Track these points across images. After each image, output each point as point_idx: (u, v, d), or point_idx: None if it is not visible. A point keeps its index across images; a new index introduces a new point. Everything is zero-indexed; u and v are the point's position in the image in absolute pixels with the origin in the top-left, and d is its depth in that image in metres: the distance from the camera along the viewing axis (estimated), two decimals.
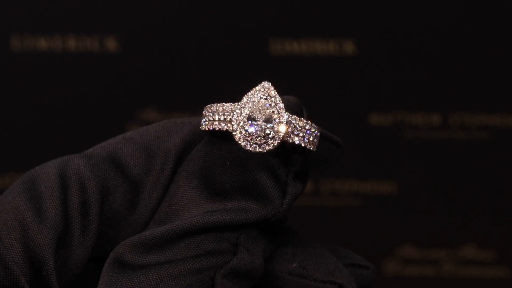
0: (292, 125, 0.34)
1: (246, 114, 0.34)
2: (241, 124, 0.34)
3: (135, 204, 0.35)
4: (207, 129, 0.35)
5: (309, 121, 0.34)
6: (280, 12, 0.84)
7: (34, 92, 0.84)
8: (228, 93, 0.74)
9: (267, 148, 0.34)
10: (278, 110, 0.34)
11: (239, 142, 0.34)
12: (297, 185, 0.35)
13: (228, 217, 0.33)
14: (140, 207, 0.35)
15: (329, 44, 0.84)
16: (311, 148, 0.34)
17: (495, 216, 0.87)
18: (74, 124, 0.84)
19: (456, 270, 0.88)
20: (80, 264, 0.34)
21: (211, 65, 0.84)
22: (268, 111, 0.34)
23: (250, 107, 0.34)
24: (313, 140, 0.34)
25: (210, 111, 0.35)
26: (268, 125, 0.34)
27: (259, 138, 0.34)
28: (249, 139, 0.34)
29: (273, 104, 0.34)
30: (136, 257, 0.32)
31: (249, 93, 0.34)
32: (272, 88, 0.34)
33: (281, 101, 0.34)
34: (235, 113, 0.34)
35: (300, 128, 0.34)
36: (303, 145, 0.34)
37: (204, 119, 0.35)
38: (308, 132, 0.34)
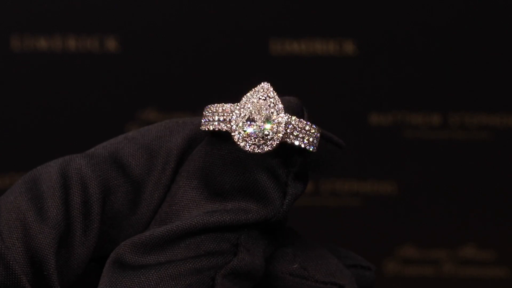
0: (291, 126, 0.34)
1: (245, 115, 0.34)
2: (240, 124, 0.34)
3: (137, 204, 0.35)
4: (207, 129, 0.35)
5: (309, 122, 0.34)
6: (280, 12, 0.84)
7: (34, 92, 0.84)
8: (228, 93, 0.74)
9: (266, 149, 0.34)
10: (277, 111, 0.34)
11: (238, 143, 0.34)
12: (298, 186, 0.35)
13: (228, 217, 0.33)
14: (142, 207, 0.35)
15: (329, 44, 0.84)
16: (311, 149, 0.34)
17: (495, 216, 0.87)
18: (74, 124, 0.84)
19: (456, 270, 0.88)
20: (82, 264, 0.34)
21: (211, 65, 0.84)
22: (267, 112, 0.34)
23: (249, 108, 0.34)
24: (313, 141, 0.34)
25: (210, 111, 0.35)
26: (267, 126, 0.34)
27: (258, 139, 0.34)
28: (248, 139, 0.34)
29: (272, 105, 0.34)
30: (136, 257, 0.32)
31: (248, 94, 0.34)
32: (272, 89, 0.34)
33: (280, 102, 0.34)
34: (234, 113, 0.34)
35: (299, 129, 0.34)
36: (302, 146, 0.34)
37: (204, 120, 0.35)
38: (308, 133, 0.34)
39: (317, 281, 0.36)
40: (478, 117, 0.85)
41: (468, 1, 0.83)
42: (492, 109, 0.85)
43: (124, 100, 0.84)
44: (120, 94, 0.84)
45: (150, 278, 0.32)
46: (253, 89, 0.34)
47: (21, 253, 0.33)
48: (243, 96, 0.35)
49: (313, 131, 0.34)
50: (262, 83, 0.34)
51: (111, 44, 0.84)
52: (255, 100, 0.34)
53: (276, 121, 0.34)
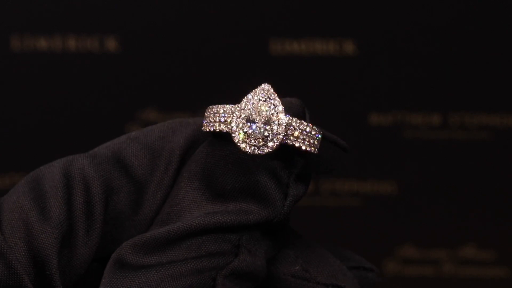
0: (292, 127, 0.34)
1: (245, 116, 0.34)
2: (240, 125, 0.34)
3: (139, 204, 0.35)
4: (208, 130, 0.35)
5: (310, 124, 0.34)
6: (280, 12, 0.84)
7: (34, 92, 0.84)
8: (228, 93, 0.74)
9: (266, 150, 0.34)
10: (277, 112, 0.34)
11: (238, 144, 0.34)
12: (299, 187, 0.35)
13: (229, 218, 0.33)
14: (144, 207, 0.35)
15: (329, 44, 0.84)
16: (312, 151, 0.34)
17: (495, 216, 0.87)
18: (74, 124, 0.84)
19: (456, 270, 0.88)
20: (84, 264, 0.34)
21: (211, 65, 0.84)
22: (267, 113, 0.34)
23: (249, 109, 0.34)
24: (314, 143, 0.34)
25: (211, 112, 0.35)
26: (267, 127, 0.34)
27: (258, 140, 0.34)
28: (248, 141, 0.34)
29: (272, 106, 0.34)
30: (137, 258, 0.33)
31: (248, 95, 0.34)
32: (272, 90, 0.34)
33: (280, 104, 0.34)
34: (234, 114, 0.34)
35: (300, 131, 0.34)
36: (303, 147, 0.34)
37: (205, 120, 0.35)
38: (309, 134, 0.34)
39: (319, 283, 0.36)
40: (478, 117, 0.85)
41: (468, 1, 0.83)
42: (492, 109, 0.85)
43: (124, 100, 0.84)
44: (120, 94, 0.84)
45: (151, 278, 0.32)
46: (253, 90, 0.34)
47: (23, 253, 0.33)
48: (243, 96, 0.35)
49: (314, 132, 0.34)
50: (262, 84, 0.34)
51: (111, 44, 0.84)
52: (256, 101, 0.34)
53: (276, 122, 0.34)
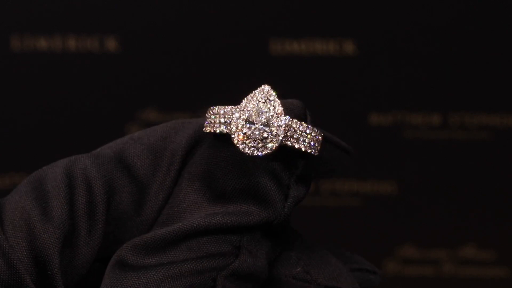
0: (292, 129, 0.34)
1: (245, 117, 0.34)
2: (239, 127, 0.34)
3: (142, 205, 0.35)
4: (209, 131, 0.35)
5: (310, 126, 0.34)
6: (280, 12, 0.84)
7: (34, 92, 0.84)
8: (228, 93, 0.74)
9: (266, 151, 0.34)
10: (276, 114, 0.34)
11: (238, 145, 0.34)
12: (300, 188, 0.35)
13: (230, 219, 0.33)
14: (147, 208, 0.35)
15: (329, 44, 0.84)
16: (312, 153, 0.34)
17: (495, 216, 0.87)
18: (74, 124, 0.84)
19: (456, 270, 0.88)
20: (86, 264, 0.34)
21: (211, 65, 0.84)
22: (266, 114, 0.34)
23: (249, 110, 0.34)
24: (314, 145, 0.34)
25: (212, 113, 0.35)
26: (266, 129, 0.34)
27: (257, 141, 0.34)
28: (247, 142, 0.34)
29: (271, 107, 0.34)
30: (138, 258, 0.33)
31: (248, 96, 0.34)
32: (272, 91, 0.34)
33: (280, 105, 0.34)
34: (234, 116, 0.34)
35: (300, 132, 0.34)
36: (303, 149, 0.34)
37: (206, 122, 0.35)
38: (309, 136, 0.34)
39: (320, 285, 0.36)
40: (478, 117, 0.85)
41: (468, 1, 0.83)
42: (492, 109, 0.85)
43: (124, 100, 0.84)
44: (120, 94, 0.84)
45: (151, 279, 0.32)
46: (253, 92, 0.34)
47: (25, 253, 0.33)
48: (243, 96, 0.35)
49: (315, 134, 0.34)
50: (262, 85, 0.34)
51: (111, 44, 0.84)
52: (255, 103, 0.34)
53: (275, 124, 0.34)
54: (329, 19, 0.84)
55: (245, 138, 0.34)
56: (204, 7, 0.83)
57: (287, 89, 0.83)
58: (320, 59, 0.84)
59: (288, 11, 0.84)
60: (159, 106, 0.85)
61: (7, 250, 0.33)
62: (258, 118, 0.34)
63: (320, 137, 0.35)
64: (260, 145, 0.34)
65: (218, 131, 0.35)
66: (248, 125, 0.34)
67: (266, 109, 0.34)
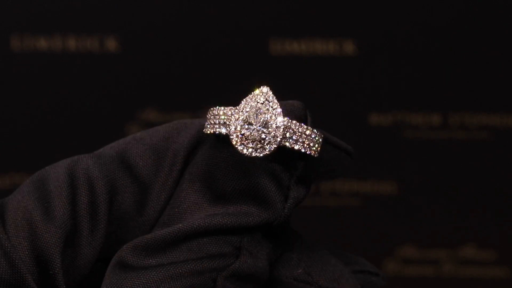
0: (291, 130, 0.34)
1: (243, 118, 0.34)
2: (238, 128, 0.34)
3: (144, 205, 0.35)
4: (209, 132, 0.35)
5: (310, 127, 0.34)
6: (280, 12, 0.84)
7: (34, 92, 0.84)
8: (228, 93, 0.74)
9: (264, 152, 0.34)
10: (275, 115, 0.34)
11: (236, 146, 0.34)
12: (300, 189, 0.35)
13: (230, 220, 0.33)
14: (149, 208, 0.35)
15: (329, 44, 0.84)
16: (312, 154, 0.34)
17: (495, 216, 0.87)
18: (74, 124, 0.84)
19: (456, 270, 0.88)
20: (88, 263, 0.34)
21: (211, 65, 0.84)
22: (265, 115, 0.34)
23: (248, 112, 0.34)
24: (314, 146, 0.34)
25: (212, 114, 0.35)
26: (264, 130, 0.34)
27: (256, 142, 0.34)
28: (245, 143, 0.34)
29: (270, 109, 0.34)
30: (138, 259, 0.33)
31: (247, 97, 0.34)
32: (271, 93, 0.34)
33: (278, 106, 0.34)
34: (233, 117, 0.34)
35: (299, 134, 0.34)
36: (303, 150, 0.34)
37: (207, 122, 0.35)
38: (308, 137, 0.34)
39: (321, 287, 0.36)
40: (478, 117, 0.85)
41: (468, 1, 0.83)
42: (492, 109, 0.85)
43: (124, 100, 0.84)
44: (120, 94, 0.84)
45: (151, 279, 0.32)
46: (252, 93, 0.34)
47: (27, 252, 0.33)
48: (243, 96, 0.35)
49: (314, 135, 0.34)
50: (261, 86, 0.34)
51: (111, 44, 0.84)
52: (254, 104, 0.34)
53: (274, 125, 0.34)
54: (329, 19, 0.84)
55: (244, 139, 0.34)
56: (204, 7, 0.83)
57: (287, 89, 0.83)
58: (320, 59, 0.84)
59: (288, 11, 0.84)
60: (159, 106, 0.85)
61: (9, 249, 0.33)
62: (256, 119, 0.34)
63: (320, 139, 0.35)
64: (258, 146, 0.34)
65: (217, 132, 0.35)
66: (246, 126, 0.34)
67: (264, 110, 0.34)
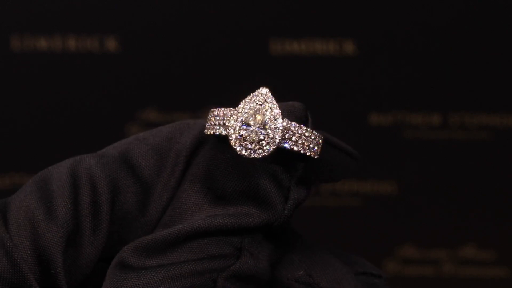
0: (290, 131, 0.34)
1: (242, 120, 0.34)
2: (236, 129, 0.34)
3: (146, 205, 0.35)
4: (209, 133, 0.35)
5: (310, 128, 0.34)
6: (280, 12, 0.84)
7: (34, 92, 0.84)
8: (228, 93, 0.74)
9: (263, 154, 0.34)
10: (274, 116, 0.34)
11: (234, 147, 0.34)
12: (301, 191, 0.35)
13: (230, 221, 0.33)
14: (151, 208, 0.35)
15: (329, 44, 0.84)
16: (312, 155, 0.34)
17: (495, 216, 0.87)
18: (74, 124, 0.84)
19: (456, 270, 0.88)
20: (90, 263, 0.34)
21: (211, 65, 0.84)
22: (263, 117, 0.34)
23: (246, 113, 0.34)
24: (313, 148, 0.34)
25: (212, 115, 0.35)
26: (263, 131, 0.34)
27: (254, 143, 0.34)
28: (244, 144, 0.34)
29: (269, 110, 0.34)
30: (138, 260, 0.33)
31: (246, 99, 0.34)
32: (270, 94, 0.34)
33: (277, 107, 0.34)
34: (232, 118, 0.34)
35: (299, 135, 0.34)
36: (302, 152, 0.34)
37: (207, 123, 0.35)
38: (308, 139, 0.34)
39: None
40: (478, 117, 0.85)
41: (468, 1, 0.83)
42: (492, 109, 0.85)
43: (124, 100, 0.84)
44: (120, 94, 0.84)
45: (151, 280, 0.32)
46: (251, 94, 0.34)
47: (28, 251, 0.33)
48: (243, 97, 0.35)
49: (314, 137, 0.34)
50: (260, 87, 0.34)
51: (111, 44, 0.84)
52: (252, 105, 0.34)
53: (272, 126, 0.34)
54: (329, 19, 0.84)
55: (242, 140, 0.34)
56: (204, 7, 0.83)
57: (287, 89, 0.83)
58: (320, 59, 0.84)
59: (288, 11, 0.84)
60: (159, 106, 0.85)
61: (10, 248, 0.33)
62: (254, 120, 0.34)
63: (320, 140, 0.35)
64: (257, 147, 0.34)
65: (217, 133, 0.35)
66: (244, 127, 0.34)
67: (263, 112, 0.34)
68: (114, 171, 0.35)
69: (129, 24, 0.84)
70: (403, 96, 0.85)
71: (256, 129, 0.34)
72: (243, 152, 0.34)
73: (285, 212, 0.34)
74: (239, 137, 0.34)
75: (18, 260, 0.33)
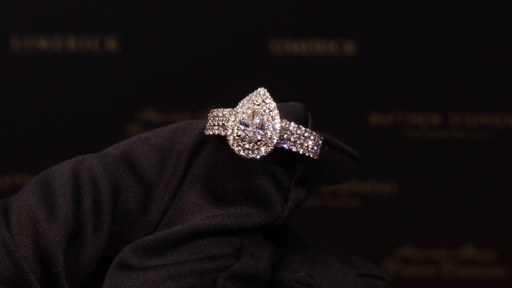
0: (288, 132, 0.34)
1: (240, 120, 0.34)
2: (234, 129, 0.34)
3: (148, 205, 0.35)
4: (209, 133, 0.35)
5: (309, 129, 0.34)
6: (280, 12, 0.84)
7: (34, 92, 0.84)
8: (228, 93, 0.74)
9: (261, 154, 0.34)
10: (272, 117, 0.34)
11: (232, 148, 0.34)
12: (301, 191, 0.35)
13: (230, 221, 0.33)
14: (153, 209, 0.35)
15: (329, 44, 0.84)
16: (311, 156, 0.34)
17: (495, 216, 0.87)
18: (74, 124, 0.84)
19: (456, 270, 0.88)
20: (92, 263, 0.34)
21: (211, 65, 0.84)
22: (261, 117, 0.34)
23: (244, 113, 0.34)
24: (313, 148, 0.34)
25: (212, 115, 0.35)
26: (261, 131, 0.34)
27: (252, 143, 0.34)
28: (241, 144, 0.34)
29: (267, 110, 0.34)
30: (138, 260, 0.33)
31: (244, 99, 0.34)
32: (268, 94, 0.34)
33: (275, 108, 0.34)
34: (230, 118, 0.34)
35: (298, 136, 0.34)
36: (301, 152, 0.34)
37: (207, 124, 0.35)
38: (307, 139, 0.34)
39: None
40: (478, 117, 0.85)
41: (468, 1, 0.83)
42: (492, 109, 0.85)
43: (124, 100, 0.84)
44: (120, 94, 0.84)
45: (150, 279, 0.32)
46: (249, 94, 0.35)
47: (30, 251, 0.33)
48: (243, 97, 0.35)
49: (313, 138, 0.34)
50: (259, 88, 0.35)
51: (111, 44, 0.84)
52: (251, 105, 0.34)
53: (270, 127, 0.34)
54: (329, 19, 0.84)
55: (240, 140, 0.34)
56: (204, 7, 0.83)
57: (287, 89, 0.83)
58: (320, 59, 0.84)
59: (288, 11, 0.84)
60: (159, 106, 0.85)
61: (12, 248, 0.33)
62: (252, 121, 0.34)
63: (319, 141, 0.35)
64: (255, 147, 0.34)
65: (216, 133, 0.35)
66: (242, 128, 0.34)
67: (261, 112, 0.34)
68: (116, 171, 0.35)
69: (129, 24, 0.84)
70: (403, 96, 0.85)
71: (254, 129, 0.34)
72: (241, 152, 0.34)
73: (285, 212, 0.34)
74: (236, 137, 0.34)
75: (19, 259, 0.33)
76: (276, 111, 0.34)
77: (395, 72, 0.84)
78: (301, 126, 0.34)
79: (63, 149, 0.83)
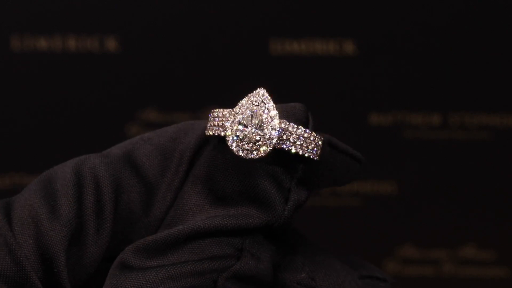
0: (288, 132, 0.34)
1: (239, 120, 0.34)
2: (233, 129, 0.34)
3: (150, 205, 0.35)
4: (209, 134, 0.35)
5: (309, 130, 0.34)
6: (280, 12, 0.84)
7: (34, 92, 0.84)
8: (228, 93, 0.74)
9: (259, 154, 0.34)
10: (271, 117, 0.34)
11: (231, 148, 0.34)
12: (301, 192, 0.35)
13: (230, 222, 0.33)
14: (155, 209, 0.35)
15: (329, 44, 0.84)
16: (311, 157, 0.34)
17: (495, 216, 0.87)
18: (74, 124, 0.84)
19: (456, 270, 0.88)
20: (94, 262, 0.34)
21: (211, 65, 0.84)
22: (260, 117, 0.34)
23: (243, 113, 0.34)
24: (313, 149, 0.34)
25: (212, 116, 0.35)
26: (259, 132, 0.34)
27: (250, 144, 0.34)
28: (240, 145, 0.34)
29: (266, 111, 0.34)
30: (139, 261, 0.33)
31: (243, 99, 0.35)
32: (267, 94, 0.34)
33: (274, 108, 0.34)
34: (229, 118, 0.34)
35: (297, 136, 0.34)
36: (300, 153, 0.34)
37: (208, 124, 0.35)
38: (306, 140, 0.34)
39: None
40: (478, 117, 0.85)
41: (468, 1, 0.83)
42: (492, 109, 0.85)
43: (124, 100, 0.84)
44: (120, 94, 0.84)
45: (150, 280, 0.32)
46: (248, 95, 0.35)
47: (32, 250, 0.33)
48: (243, 97, 0.35)
49: (313, 138, 0.34)
50: (258, 88, 0.35)
51: (111, 44, 0.84)
52: (250, 106, 0.34)
53: (269, 127, 0.34)
54: (329, 19, 0.84)
55: (239, 140, 0.34)
56: (204, 7, 0.83)
57: (287, 89, 0.83)
58: (320, 59, 0.84)
59: (288, 11, 0.84)
60: (159, 106, 0.85)
61: (14, 247, 0.33)
62: (251, 121, 0.34)
63: (320, 142, 0.35)
64: (253, 148, 0.34)
65: (216, 134, 0.35)
66: (241, 128, 0.34)
67: (260, 112, 0.34)
68: (118, 170, 0.35)
69: (129, 24, 0.84)
70: (403, 96, 0.85)
71: (252, 130, 0.34)
72: (240, 152, 0.34)
73: (285, 213, 0.34)
74: (236, 137, 0.34)
75: (21, 258, 0.33)
76: (275, 112, 0.34)
77: (395, 72, 0.84)
78: (300, 126, 0.34)
79: (63, 149, 0.83)
